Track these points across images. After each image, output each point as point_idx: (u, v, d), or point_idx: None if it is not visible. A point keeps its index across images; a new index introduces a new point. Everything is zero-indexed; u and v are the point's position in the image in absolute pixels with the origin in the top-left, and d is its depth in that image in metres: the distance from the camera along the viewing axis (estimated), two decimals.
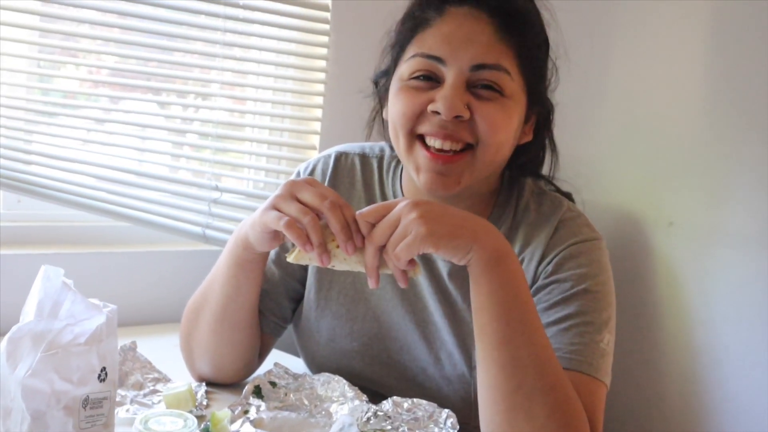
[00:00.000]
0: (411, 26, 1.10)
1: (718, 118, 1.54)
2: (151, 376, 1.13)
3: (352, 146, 1.26)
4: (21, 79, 1.48)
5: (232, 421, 1.00)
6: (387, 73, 1.14)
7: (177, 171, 1.69)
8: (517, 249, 1.12)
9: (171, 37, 1.57)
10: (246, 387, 1.08)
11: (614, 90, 1.74)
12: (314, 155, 1.73)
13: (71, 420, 0.82)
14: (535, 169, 1.20)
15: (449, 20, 1.06)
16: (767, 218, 1.44)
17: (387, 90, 1.13)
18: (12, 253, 1.43)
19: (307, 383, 1.10)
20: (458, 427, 0.99)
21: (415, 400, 1.02)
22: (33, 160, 1.49)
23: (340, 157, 1.24)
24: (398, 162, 1.21)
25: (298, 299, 1.25)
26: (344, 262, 0.95)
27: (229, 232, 1.62)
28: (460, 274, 1.12)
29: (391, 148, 1.16)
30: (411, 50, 1.08)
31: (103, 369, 0.85)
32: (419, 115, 1.05)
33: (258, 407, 1.05)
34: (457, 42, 1.04)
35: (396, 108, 1.07)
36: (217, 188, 1.63)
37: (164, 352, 1.24)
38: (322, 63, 1.71)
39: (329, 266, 0.95)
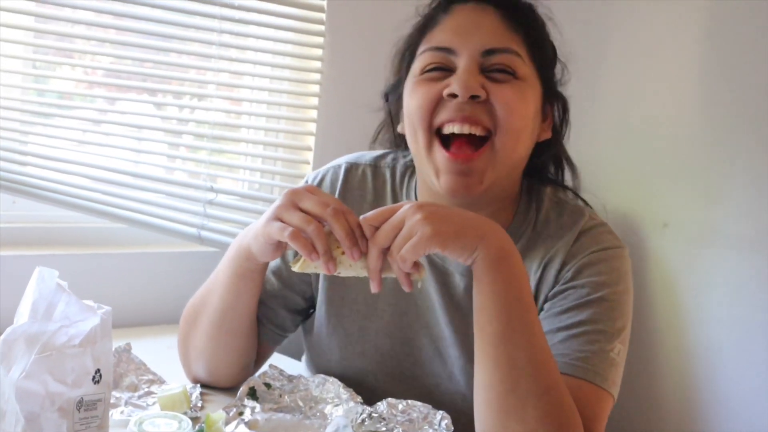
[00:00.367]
0: (419, 29, 1.11)
1: (713, 120, 1.54)
2: (145, 377, 1.13)
3: (362, 156, 1.23)
4: (16, 80, 1.48)
5: (227, 423, 1.00)
6: (399, 84, 1.13)
7: (172, 172, 1.69)
8: (537, 260, 1.10)
9: (166, 38, 1.57)
10: (241, 388, 1.08)
11: (609, 92, 1.74)
12: (310, 156, 1.74)
13: (65, 422, 0.82)
14: (554, 172, 1.19)
15: (456, 15, 1.07)
16: (761, 220, 1.44)
17: (400, 101, 1.12)
18: (7, 254, 1.42)
19: (301, 385, 1.10)
20: (453, 428, 0.99)
21: (409, 401, 1.02)
22: (28, 161, 1.49)
23: (350, 169, 1.21)
24: (413, 171, 1.18)
25: (297, 310, 1.22)
26: (350, 268, 0.94)
27: (225, 233, 1.62)
28: None
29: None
30: (420, 49, 1.09)
31: (98, 371, 0.85)
32: (436, 104, 1.04)
33: (253, 409, 1.05)
34: (466, 31, 1.04)
35: (412, 103, 1.06)
36: (212, 189, 1.63)
37: (159, 353, 1.24)
38: (318, 64, 1.71)
39: (335, 273, 0.95)
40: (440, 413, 1.00)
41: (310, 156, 1.74)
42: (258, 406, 1.06)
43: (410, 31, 1.13)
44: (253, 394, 1.08)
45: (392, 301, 1.16)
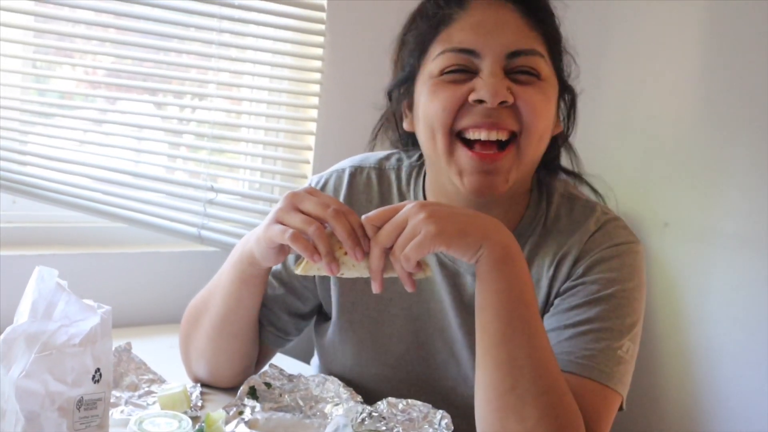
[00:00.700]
0: (432, 24, 1.05)
1: (713, 120, 1.54)
2: (145, 377, 1.13)
3: (366, 159, 1.20)
4: (16, 80, 1.48)
5: (227, 422, 1.00)
6: (406, 81, 1.09)
7: (172, 171, 1.69)
8: (549, 256, 1.08)
9: (166, 37, 1.57)
10: (241, 388, 1.08)
11: (609, 92, 1.74)
12: (310, 156, 1.74)
13: (65, 421, 0.82)
14: (558, 161, 1.17)
15: (474, 12, 1.02)
16: (761, 219, 1.44)
17: (408, 98, 1.09)
18: (7, 254, 1.42)
19: (301, 384, 1.10)
20: (452, 427, 0.99)
21: (409, 401, 1.02)
22: (28, 161, 1.49)
23: (354, 173, 1.18)
24: (418, 172, 1.16)
25: (299, 315, 1.21)
26: (353, 269, 0.94)
27: (225, 233, 1.62)
28: None
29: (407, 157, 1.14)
30: (437, 48, 1.03)
31: (98, 370, 0.84)
32: (459, 108, 1.00)
33: (253, 408, 1.05)
34: (488, 32, 1.00)
35: (433, 105, 1.01)
36: (212, 189, 1.63)
37: (159, 353, 1.24)
38: (318, 63, 1.71)
39: (338, 275, 0.95)
40: (440, 412, 1.00)
41: (310, 155, 1.74)
42: (258, 406, 1.06)
43: (417, 23, 1.08)
44: (253, 393, 1.07)
45: (404, 305, 1.14)
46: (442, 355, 1.13)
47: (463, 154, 1.01)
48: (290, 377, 1.11)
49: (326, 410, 1.06)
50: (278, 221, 0.96)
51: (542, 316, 1.04)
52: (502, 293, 0.91)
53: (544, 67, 1.02)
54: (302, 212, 0.95)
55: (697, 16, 1.57)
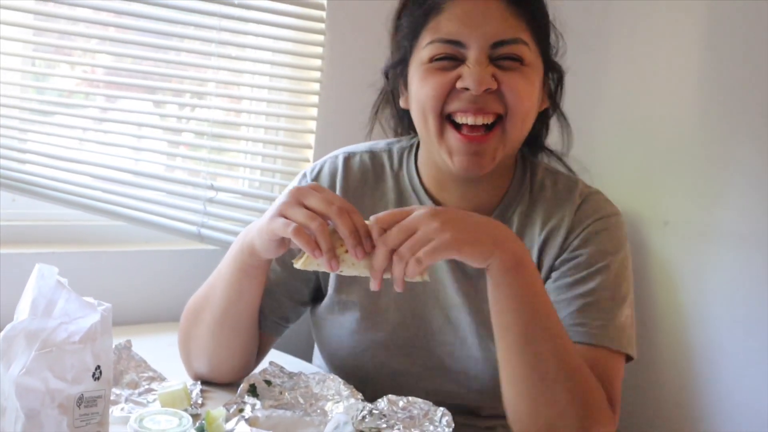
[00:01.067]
0: (423, 12, 1.11)
1: (713, 118, 1.54)
2: (146, 374, 1.13)
3: (357, 146, 1.26)
4: (16, 78, 1.48)
5: (227, 420, 1.00)
6: (401, 63, 1.15)
7: (172, 170, 1.69)
8: (538, 223, 1.16)
9: (166, 36, 1.57)
10: (241, 386, 1.08)
11: (609, 90, 1.74)
12: (310, 154, 1.74)
13: (66, 419, 0.82)
14: (544, 137, 1.24)
15: (461, 2, 1.08)
16: (761, 217, 1.44)
17: (403, 78, 1.16)
18: (7, 252, 1.42)
19: (302, 382, 1.10)
20: (453, 425, 0.99)
21: (410, 398, 1.02)
22: (28, 158, 1.49)
23: (348, 158, 1.24)
24: (410, 151, 1.23)
25: (300, 301, 1.23)
26: (352, 267, 0.95)
27: (225, 231, 1.62)
28: None
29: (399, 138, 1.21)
30: (426, 36, 1.10)
31: (98, 367, 0.84)
32: (448, 93, 1.08)
33: (253, 406, 1.05)
34: (473, 23, 1.06)
35: (424, 90, 1.09)
36: (212, 187, 1.62)
37: (159, 351, 1.24)
38: (318, 62, 1.71)
39: (338, 272, 0.96)
40: (441, 410, 1.00)
41: (310, 154, 1.73)
42: (258, 403, 1.06)
43: (410, 8, 1.14)
44: (253, 391, 1.07)
45: None
46: (438, 321, 1.18)
47: (452, 135, 1.08)
48: (290, 375, 1.11)
49: (327, 408, 1.06)
50: (281, 215, 0.97)
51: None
52: (520, 297, 0.97)
53: (528, 53, 1.08)
54: (306, 207, 0.96)
55: (697, 15, 1.57)
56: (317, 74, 1.72)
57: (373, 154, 1.25)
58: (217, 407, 1.01)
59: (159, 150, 1.64)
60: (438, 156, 1.12)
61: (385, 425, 1.00)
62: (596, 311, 1.08)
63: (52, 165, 1.50)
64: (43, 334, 0.81)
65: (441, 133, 1.09)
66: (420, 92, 1.10)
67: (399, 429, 0.99)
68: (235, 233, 1.61)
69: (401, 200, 1.21)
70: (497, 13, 1.07)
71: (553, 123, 1.25)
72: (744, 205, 1.48)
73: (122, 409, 1.03)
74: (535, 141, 1.22)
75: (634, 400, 1.63)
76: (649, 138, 1.65)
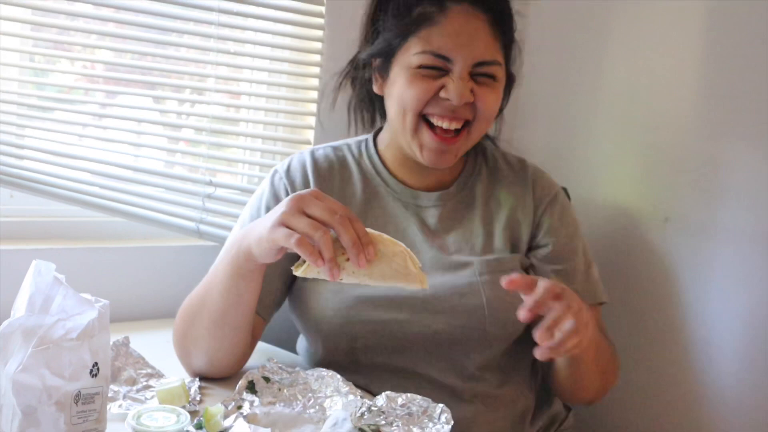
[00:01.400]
0: (414, 20, 1.21)
1: (713, 115, 1.54)
2: (144, 371, 1.12)
3: (317, 146, 1.38)
4: (14, 74, 1.47)
5: (226, 417, 1.00)
6: (383, 56, 1.25)
7: (171, 166, 1.69)
8: (502, 196, 1.33)
9: (164, 31, 1.56)
10: (239, 382, 1.07)
11: (610, 87, 1.74)
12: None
13: (63, 415, 0.81)
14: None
15: (452, 19, 1.20)
16: (761, 214, 1.44)
17: (383, 70, 1.26)
18: (4, 248, 1.42)
19: (300, 378, 1.10)
20: (452, 422, 0.99)
21: (409, 395, 1.02)
22: (25, 154, 1.49)
23: (313, 152, 1.35)
24: (366, 142, 1.36)
25: (288, 282, 1.25)
26: (353, 275, 0.96)
27: (224, 227, 1.62)
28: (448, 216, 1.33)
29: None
30: (417, 44, 1.20)
31: (95, 364, 0.84)
32: (430, 99, 1.21)
33: (251, 402, 1.05)
34: (462, 43, 1.19)
35: (409, 93, 1.21)
36: (211, 183, 1.62)
37: (157, 347, 1.24)
38: (317, 57, 1.70)
39: (338, 280, 0.96)
40: (440, 407, 1.00)
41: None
42: (257, 400, 1.06)
43: (401, 10, 1.23)
44: (251, 387, 1.07)
45: (390, 219, 1.31)
46: (426, 255, 1.27)
47: (426, 134, 1.23)
48: (289, 371, 1.11)
49: (325, 404, 1.06)
50: (283, 224, 0.97)
51: (522, 252, 1.32)
52: (592, 348, 1.15)
53: (500, 72, 1.24)
54: (308, 216, 0.96)
55: (698, 11, 1.57)
56: (316, 69, 1.71)
57: (334, 148, 1.36)
58: (215, 404, 1.01)
59: (157, 146, 1.63)
60: (408, 147, 1.26)
61: (383, 422, 1.00)
62: (588, 278, 1.33)
63: (50, 161, 1.49)
64: (40, 330, 0.81)
65: (416, 129, 1.23)
66: (405, 93, 1.21)
67: (398, 426, 0.99)
68: None
69: (366, 180, 1.32)
70: (483, 33, 1.21)
71: None
72: (744, 201, 1.48)
73: (120, 405, 1.03)
74: None
75: (633, 396, 1.62)
76: (649, 134, 1.65)
